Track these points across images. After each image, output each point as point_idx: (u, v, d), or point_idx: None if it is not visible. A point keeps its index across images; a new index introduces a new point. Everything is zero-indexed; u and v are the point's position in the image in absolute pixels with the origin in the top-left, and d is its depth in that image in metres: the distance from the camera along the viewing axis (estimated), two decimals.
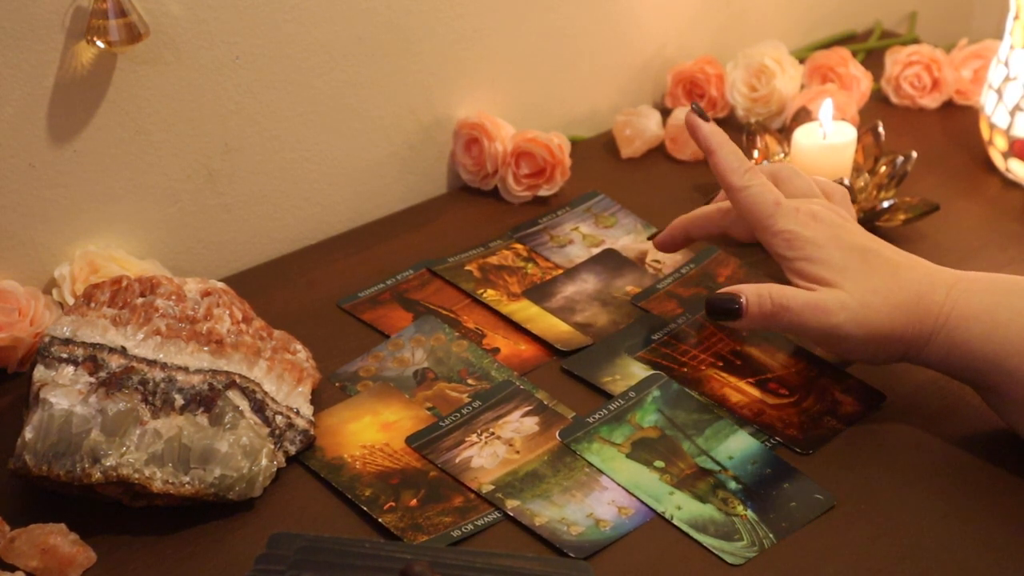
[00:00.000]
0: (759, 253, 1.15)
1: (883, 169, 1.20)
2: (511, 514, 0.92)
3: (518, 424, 0.99)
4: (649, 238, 1.10)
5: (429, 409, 1.01)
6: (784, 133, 1.24)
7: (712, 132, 1.01)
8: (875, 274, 0.96)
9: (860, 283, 0.96)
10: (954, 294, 0.95)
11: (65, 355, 0.94)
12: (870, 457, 0.97)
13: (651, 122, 1.32)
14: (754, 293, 0.97)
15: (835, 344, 0.97)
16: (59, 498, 0.93)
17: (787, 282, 0.98)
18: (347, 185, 1.21)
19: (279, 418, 0.96)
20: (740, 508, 0.93)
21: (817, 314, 0.95)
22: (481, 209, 1.25)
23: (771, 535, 0.91)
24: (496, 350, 1.07)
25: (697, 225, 1.06)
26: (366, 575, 0.81)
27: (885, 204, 1.17)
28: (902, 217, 1.18)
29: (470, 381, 1.04)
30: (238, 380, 0.95)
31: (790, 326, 0.97)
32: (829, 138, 1.18)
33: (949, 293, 0.95)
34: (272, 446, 0.94)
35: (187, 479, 0.91)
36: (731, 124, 1.35)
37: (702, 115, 1.01)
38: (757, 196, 0.99)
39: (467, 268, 1.15)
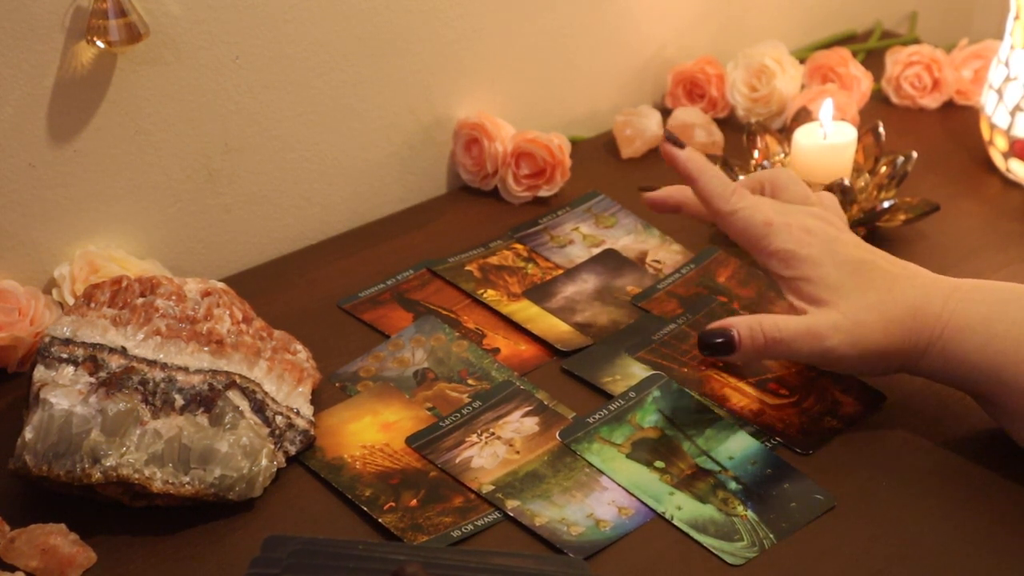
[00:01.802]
0: None
1: (883, 169, 1.20)
2: (511, 514, 0.92)
3: (518, 424, 0.99)
4: (641, 189, 1.07)
5: (429, 409, 1.01)
6: (784, 133, 1.23)
7: (690, 158, 0.99)
8: (870, 289, 0.96)
9: (854, 301, 0.95)
10: (951, 305, 0.94)
11: (65, 355, 0.93)
12: (870, 457, 0.97)
13: (651, 122, 1.32)
14: (746, 327, 0.97)
15: (831, 364, 0.97)
16: (59, 498, 0.92)
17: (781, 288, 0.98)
18: (347, 185, 1.21)
19: (279, 418, 0.96)
20: (740, 508, 0.93)
21: (810, 340, 0.95)
22: (481, 209, 1.25)
23: (771, 535, 0.91)
24: (496, 350, 1.07)
25: (695, 206, 1.05)
26: None
27: (885, 204, 1.17)
28: (902, 217, 1.18)
29: (470, 381, 1.04)
30: (238, 380, 0.95)
31: (785, 355, 0.97)
32: (829, 138, 1.18)
33: (946, 304, 0.95)
34: (272, 446, 0.94)
35: (187, 479, 0.91)
36: (731, 124, 1.36)
37: (676, 143, 0.99)
38: (748, 219, 0.98)
39: (467, 268, 1.15)
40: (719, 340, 0.97)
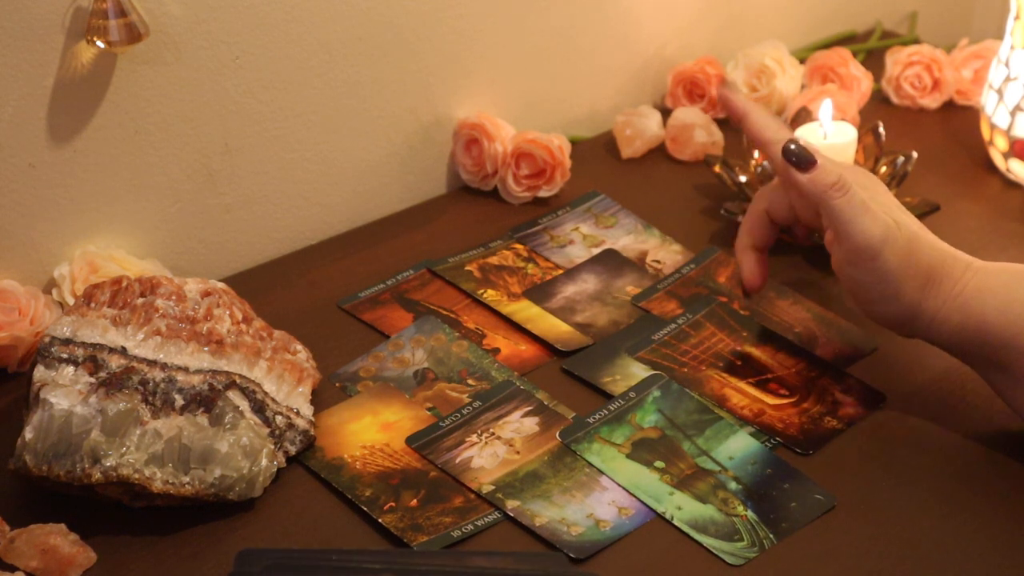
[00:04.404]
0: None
1: (883, 169, 1.20)
2: (511, 514, 0.92)
3: (518, 424, 0.99)
4: (745, 294, 1.08)
5: (429, 409, 1.01)
6: None
7: (745, 100, 1.05)
8: (914, 223, 0.97)
9: (907, 221, 0.96)
10: (972, 271, 0.95)
11: (65, 355, 0.93)
12: (870, 457, 0.97)
13: (652, 122, 1.32)
14: (829, 161, 0.98)
15: (861, 262, 0.96)
16: (59, 498, 0.92)
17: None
18: (347, 185, 1.21)
19: (279, 418, 0.96)
20: (740, 508, 0.93)
21: (865, 216, 0.95)
22: (481, 209, 1.25)
23: (771, 535, 0.91)
24: (496, 350, 1.07)
25: (750, 232, 1.06)
26: None
27: None
28: None
29: (470, 381, 1.04)
30: (238, 380, 0.95)
31: (837, 212, 0.96)
32: (830, 138, 1.18)
33: (967, 269, 0.96)
34: (272, 446, 0.94)
35: (187, 479, 0.91)
36: (731, 124, 1.35)
37: (734, 90, 1.06)
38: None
39: (467, 268, 1.15)
40: (805, 151, 0.97)
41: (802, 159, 0.97)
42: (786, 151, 0.98)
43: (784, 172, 0.99)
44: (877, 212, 0.95)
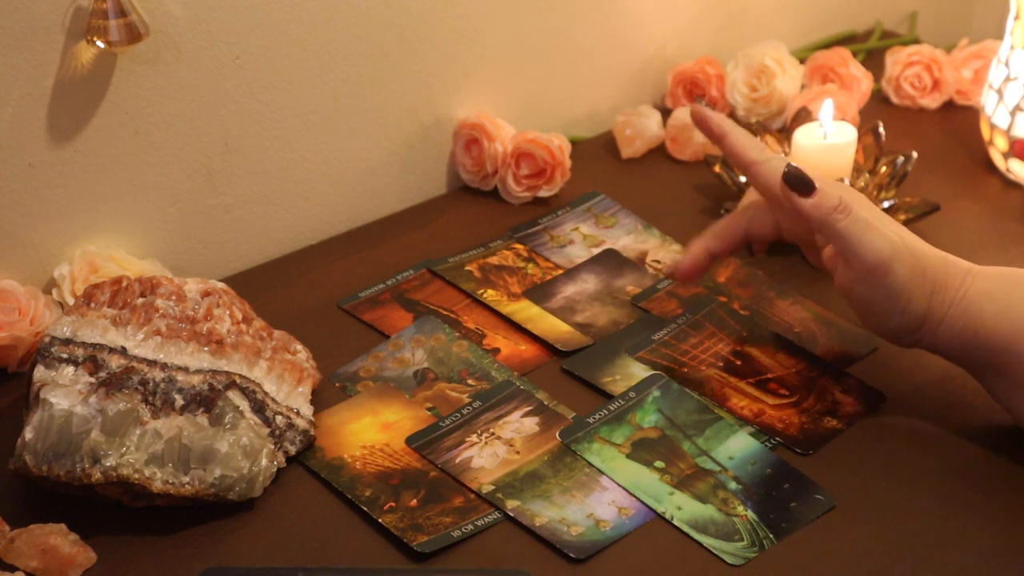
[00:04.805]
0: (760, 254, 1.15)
1: (883, 169, 1.20)
2: (511, 514, 0.92)
3: (518, 424, 0.99)
4: (666, 276, 1.09)
5: (429, 409, 1.01)
6: (785, 133, 1.24)
7: (721, 118, 1.03)
8: (910, 234, 0.97)
9: (906, 235, 0.96)
10: (971, 276, 0.96)
11: (65, 355, 0.93)
12: (870, 457, 0.97)
13: (652, 122, 1.32)
14: (826, 183, 0.97)
15: (873, 279, 0.95)
16: (59, 498, 0.92)
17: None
18: (347, 185, 1.21)
19: (279, 418, 0.96)
20: (740, 508, 0.93)
21: (871, 234, 0.95)
22: (481, 209, 1.25)
23: (771, 535, 0.91)
24: (496, 350, 1.07)
25: (718, 237, 1.04)
26: None
27: (885, 204, 1.17)
28: (902, 217, 1.18)
29: (470, 381, 1.04)
30: (238, 380, 0.95)
31: (844, 234, 0.95)
32: (830, 138, 1.18)
33: (967, 274, 0.96)
34: (272, 446, 0.94)
35: (187, 479, 0.91)
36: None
37: (709, 106, 1.03)
38: (779, 165, 0.99)
39: (467, 268, 1.15)
40: (806, 176, 0.97)
41: (804, 184, 0.97)
42: (787, 178, 0.97)
43: (771, 193, 0.99)
44: (881, 228, 0.95)
